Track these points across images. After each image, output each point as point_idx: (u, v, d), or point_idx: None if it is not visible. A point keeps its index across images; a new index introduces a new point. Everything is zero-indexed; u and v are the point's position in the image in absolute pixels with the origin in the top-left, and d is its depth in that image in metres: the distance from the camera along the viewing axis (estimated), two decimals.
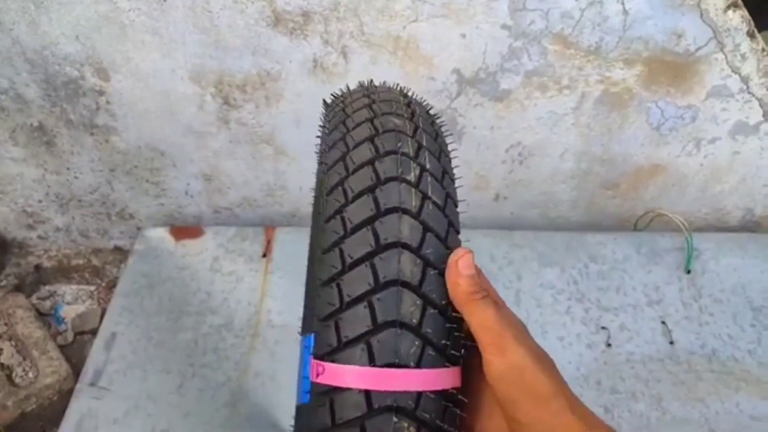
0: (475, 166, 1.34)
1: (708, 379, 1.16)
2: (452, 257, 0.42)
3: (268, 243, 1.33)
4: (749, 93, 1.22)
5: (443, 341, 0.42)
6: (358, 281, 0.42)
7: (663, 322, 1.24)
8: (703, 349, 1.21)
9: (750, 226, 1.48)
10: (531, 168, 1.35)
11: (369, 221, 0.43)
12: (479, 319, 0.40)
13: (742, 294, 1.29)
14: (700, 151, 1.32)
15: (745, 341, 1.22)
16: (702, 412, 1.11)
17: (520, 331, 0.40)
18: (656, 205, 1.40)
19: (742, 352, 1.21)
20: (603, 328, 1.22)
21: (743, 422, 1.12)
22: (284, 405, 1.08)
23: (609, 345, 1.20)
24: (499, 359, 0.38)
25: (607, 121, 1.26)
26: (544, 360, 0.39)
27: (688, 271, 1.30)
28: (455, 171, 0.51)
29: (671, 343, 1.21)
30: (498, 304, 0.41)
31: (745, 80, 1.20)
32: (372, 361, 0.40)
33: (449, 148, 0.53)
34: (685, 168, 1.35)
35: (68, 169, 1.35)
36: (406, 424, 0.39)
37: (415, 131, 0.49)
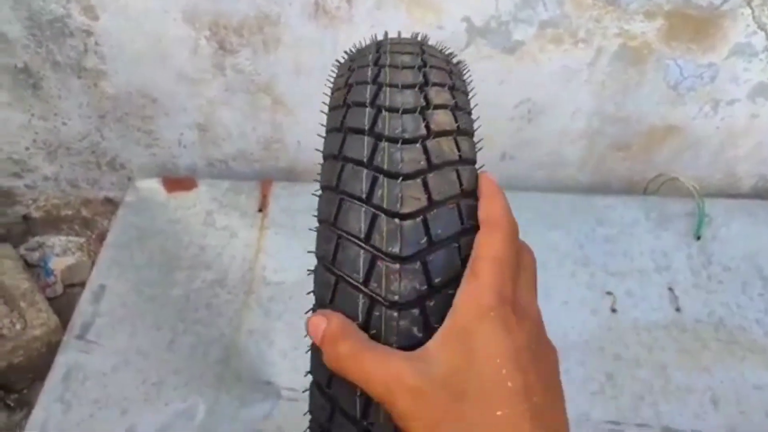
0: (480, 123, 1.28)
1: (713, 348, 1.13)
2: None
3: (264, 198, 1.28)
4: None
5: None
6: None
7: (670, 289, 1.20)
8: (709, 318, 1.17)
9: (761, 192, 1.43)
10: (540, 126, 1.29)
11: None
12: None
13: (752, 262, 1.25)
14: (718, 113, 1.26)
15: (753, 310, 1.19)
16: (706, 380, 1.08)
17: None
18: (668, 169, 1.35)
19: (749, 322, 1.17)
20: (608, 293, 1.18)
21: (746, 392, 1.09)
22: (278, 363, 1.05)
23: (614, 311, 1.16)
24: None
25: (623, 78, 1.20)
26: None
27: (698, 238, 1.26)
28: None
29: (677, 310, 1.18)
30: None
31: None
32: None
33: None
34: (700, 130, 1.29)
35: (56, 114, 1.28)
36: None
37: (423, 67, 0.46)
